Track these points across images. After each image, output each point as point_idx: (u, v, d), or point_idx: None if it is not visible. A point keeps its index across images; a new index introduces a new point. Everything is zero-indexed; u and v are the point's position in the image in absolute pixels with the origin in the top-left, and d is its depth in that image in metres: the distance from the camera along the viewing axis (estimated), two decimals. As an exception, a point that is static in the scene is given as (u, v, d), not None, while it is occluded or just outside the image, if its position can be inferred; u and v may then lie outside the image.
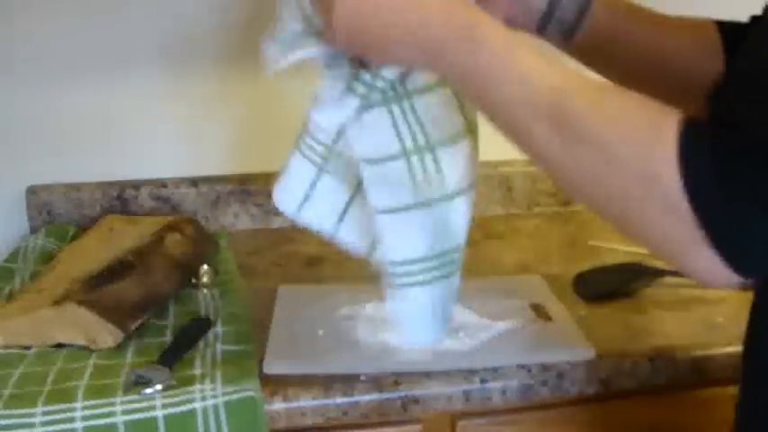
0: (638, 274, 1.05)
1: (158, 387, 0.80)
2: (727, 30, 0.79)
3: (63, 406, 0.78)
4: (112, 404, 0.78)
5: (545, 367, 0.86)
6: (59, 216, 1.27)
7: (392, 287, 0.74)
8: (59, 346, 0.90)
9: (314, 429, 0.84)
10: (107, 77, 1.26)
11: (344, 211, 0.79)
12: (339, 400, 0.83)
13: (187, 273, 1.05)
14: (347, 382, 0.84)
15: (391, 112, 0.70)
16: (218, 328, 0.93)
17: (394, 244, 0.73)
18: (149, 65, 1.26)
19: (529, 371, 0.86)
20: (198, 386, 0.80)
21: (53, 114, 1.26)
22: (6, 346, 0.90)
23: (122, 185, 1.28)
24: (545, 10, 0.79)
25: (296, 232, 1.30)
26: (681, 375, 0.89)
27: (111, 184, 1.28)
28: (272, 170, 1.32)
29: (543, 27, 0.80)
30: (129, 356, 0.88)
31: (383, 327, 0.92)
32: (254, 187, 1.31)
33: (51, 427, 0.76)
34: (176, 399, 0.78)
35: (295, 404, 0.82)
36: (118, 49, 1.25)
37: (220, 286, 1.05)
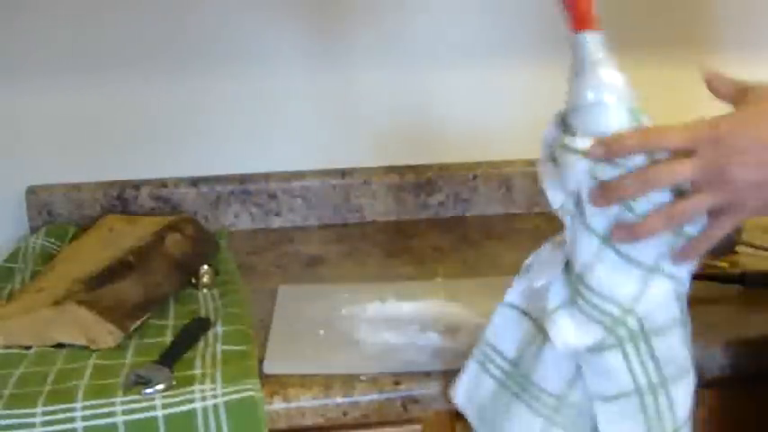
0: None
1: (158, 387, 0.80)
2: None
3: (63, 406, 0.78)
4: (112, 404, 0.78)
5: (545, 367, 0.86)
6: (59, 216, 1.27)
7: None
8: (59, 346, 0.90)
9: (314, 429, 0.84)
10: (106, 78, 1.26)
11: None
12: (339, 400, 0.83)
13: (187, 273, 1.05)
14: (347, 382, 0.84)
15: (626, 352, 0.68)
16: (218, 328, 0.92)
17: None
18: (147, 64, 1.26)
19: (529, 371, 0.86)
20: (198, 386, 0.80)
21: (53, 114, 1.26)
22: (6, 346, 0.90)
23: (122, 185, 1.28)
24: None
25: (296, 232, 1.31)
26: (681, 375, 0.89)
27: (111, 184, 1.29)
28: (272, 170, 1.33)
29: None
30: (129, 356, 0.88)
31: (383, 327, 0.92)
32: (254, 187, 1.31)
33: (51, 427, 0.76)
34: (176, 399, 0.78)
35: (295, 404, 0.82)
36: (115, 49, 1.25)
37: (220, 286, 1.05)
